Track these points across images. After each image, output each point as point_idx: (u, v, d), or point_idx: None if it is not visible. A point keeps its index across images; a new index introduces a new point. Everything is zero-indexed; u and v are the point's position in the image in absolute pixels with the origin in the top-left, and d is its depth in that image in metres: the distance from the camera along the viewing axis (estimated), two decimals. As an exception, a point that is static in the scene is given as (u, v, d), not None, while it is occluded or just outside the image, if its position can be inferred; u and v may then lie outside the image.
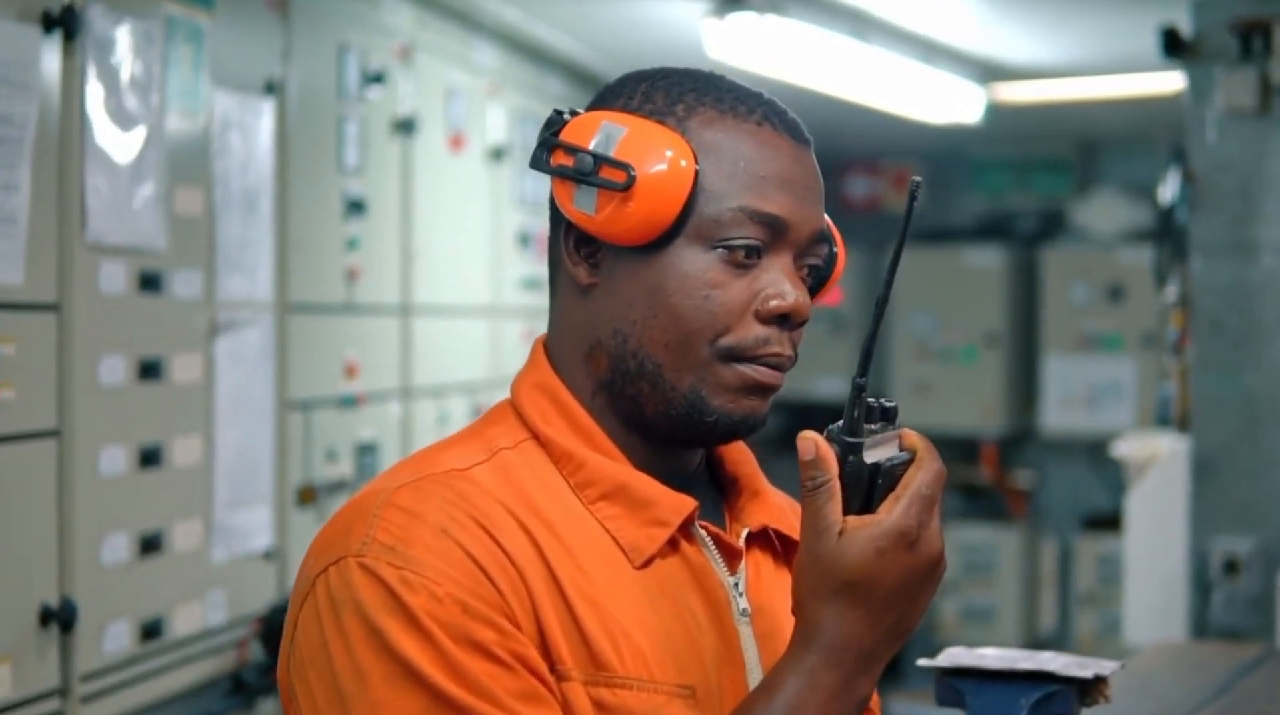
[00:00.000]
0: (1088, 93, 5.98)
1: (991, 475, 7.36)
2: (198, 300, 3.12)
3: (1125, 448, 3.93)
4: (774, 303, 1.39)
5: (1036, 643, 7.13)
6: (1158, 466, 3.79)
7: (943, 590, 7.27)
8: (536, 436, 1.44)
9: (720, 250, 1.39)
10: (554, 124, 1.43)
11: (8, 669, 2.56)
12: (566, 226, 1.43)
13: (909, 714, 6.49)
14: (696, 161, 1.38)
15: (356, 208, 3.82)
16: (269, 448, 3.42)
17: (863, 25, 4.79)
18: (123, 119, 2.86)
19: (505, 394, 1.50)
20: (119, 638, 2.87)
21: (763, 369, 1.41)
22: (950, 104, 5.86)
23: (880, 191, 7.90)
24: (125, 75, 2.86)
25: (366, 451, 3.85)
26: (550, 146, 1.42)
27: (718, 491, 1.52)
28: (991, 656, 1.54)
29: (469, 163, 4.48)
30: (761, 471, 1.55)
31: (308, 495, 3.57)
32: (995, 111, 6.15)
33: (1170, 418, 3.91)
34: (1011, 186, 7.56)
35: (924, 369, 7.36)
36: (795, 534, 1.40)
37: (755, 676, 1.42)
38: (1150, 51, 3.75)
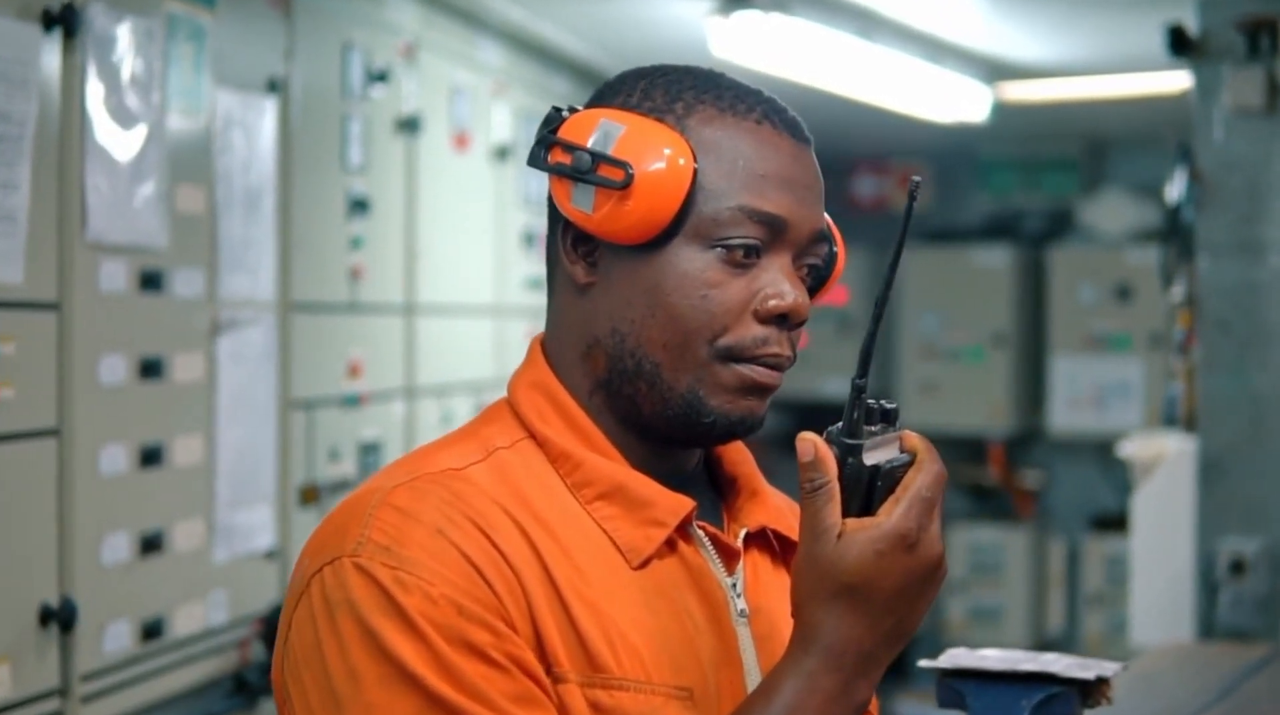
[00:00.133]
0: (1095, 92, 5.97)
1: (999, 475, 7.34)
2: (199, 299, 3.12)
3: (1131, 448, 3.91)
4: (773, 302, 1.38)
5: (1044, 643, 7.11)
6: (1164, 467, 3.77)
7: (950, 590, 7.27)
8: (533, 436, 1.43)
9: (719, 249, 1.38)
10: (552, 121, 1.42)
11: (7, 669, 2.56)
12: (564, 224, 1.42)
13: (914, 715, 6.48)
14: (695, 160, 1.37)
15: (360, 207, 3.81)
16: (271, 447, 3.41)
17: (868, 24, 4.78)
18: (123, 117, 2.85)
19: None
20: (119, 637, 2.87)
21: (761, 369, 1.39)
22: (957, 103, 5.85)
23: (887, 191, 7.89)
24: (126, 73, 2.85)
25: (370, 451, 3.84)
26: (548, 144, 1.40)
27: (716, 492, 1.51)
28: (993, 657, 1.52)
29: (473, 162, 4.47)
30: (760, 472, 1.53)
31: (310, 495, 3.57)
32: (1002, 111, 6.14)
33: (1177, 418, 3.90)
34: (1019, 186, 7.55)
35: (931, 369, 7.35)
36: (794, 535, 1.39)
37: (753, 678, 1.41)
38: (1157, 50, 3.73)
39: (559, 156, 1.39)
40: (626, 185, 1.36)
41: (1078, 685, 1.50)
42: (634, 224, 1.37)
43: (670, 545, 1.41)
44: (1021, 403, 7.35)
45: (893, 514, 1.30)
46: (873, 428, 1.33)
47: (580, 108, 1.43)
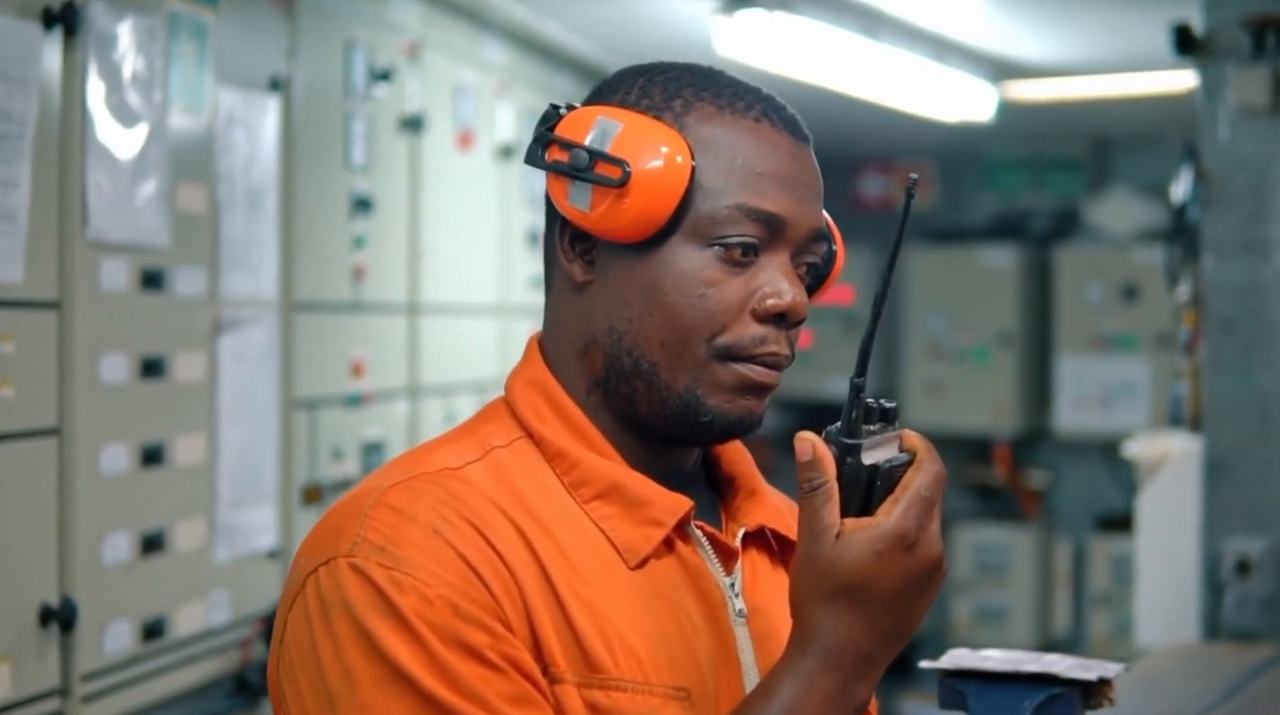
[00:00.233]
0: (1101, 91, 5.96)
1: (1005, 475, 7.34)
2: (201, 298, 3.11)
3: (1137, 448, 3.90)
4: (771, 301, 1.37)
5: (1050, 643, 7.10)
6: (1169, 467, 3.76)
7: (955, 591, 7.26)
8: (530, 435, 1.42)
9: (717, 248, 1.37)
10: (550, 119, 1.41)
11: (7, 669, 2.55)
12: (562, 223, 1.42)
13: (919, 715, 6.47)
14: (693, 158, 1.36)
15: (363, 205, 3.81)
16: (273, 447, 3.41)
17: (873, 22, 4.77)
18: (125, 116, 2.84)
19: None
20: (120, 637, 2.86)
21: (759, 368, 1.39)
22: (962, 102, 5.84)
23: (894, 191, 7.88)
24: (127, 72, 2.85)
25: (373, 450, 3.84)
26: (545, 142, 1.40)
27: (714, 491, 1.50)
28: (995, 658, 1.52)
29: (478, 161, 4.46)
30: (761, 471, 1.53)
31: (313, 494, 3.56)
32: (1008, 110, 6.13)
33: (1182, 418, 3.89)
34: (1025, 186, 7.54)
35: (937, 369, 7.35)
36: (793, 534, 1.38)
37: (752, 678, 1.41)
38: (1163, 49, 3.72)
39: (556, 154, 1.39)
40: (624, 183, 1.35)
41: (1079, 686, 1.49)
42: (631, 222, 1.36)
43: (668, 545, 1.40)
44: (1027, 403, 7.33)
45: (891, 514, 1.29)
46: (871, 427, 1.32)
47: (579, 105, 1.42)
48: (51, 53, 2.64)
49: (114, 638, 2.84)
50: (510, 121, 4.64)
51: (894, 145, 7.56)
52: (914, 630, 1.33)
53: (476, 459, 1.39)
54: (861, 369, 1.31)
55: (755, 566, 1.47)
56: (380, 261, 3.90)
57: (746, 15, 4.36)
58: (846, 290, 7.30)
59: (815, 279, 1.45)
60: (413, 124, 4.04)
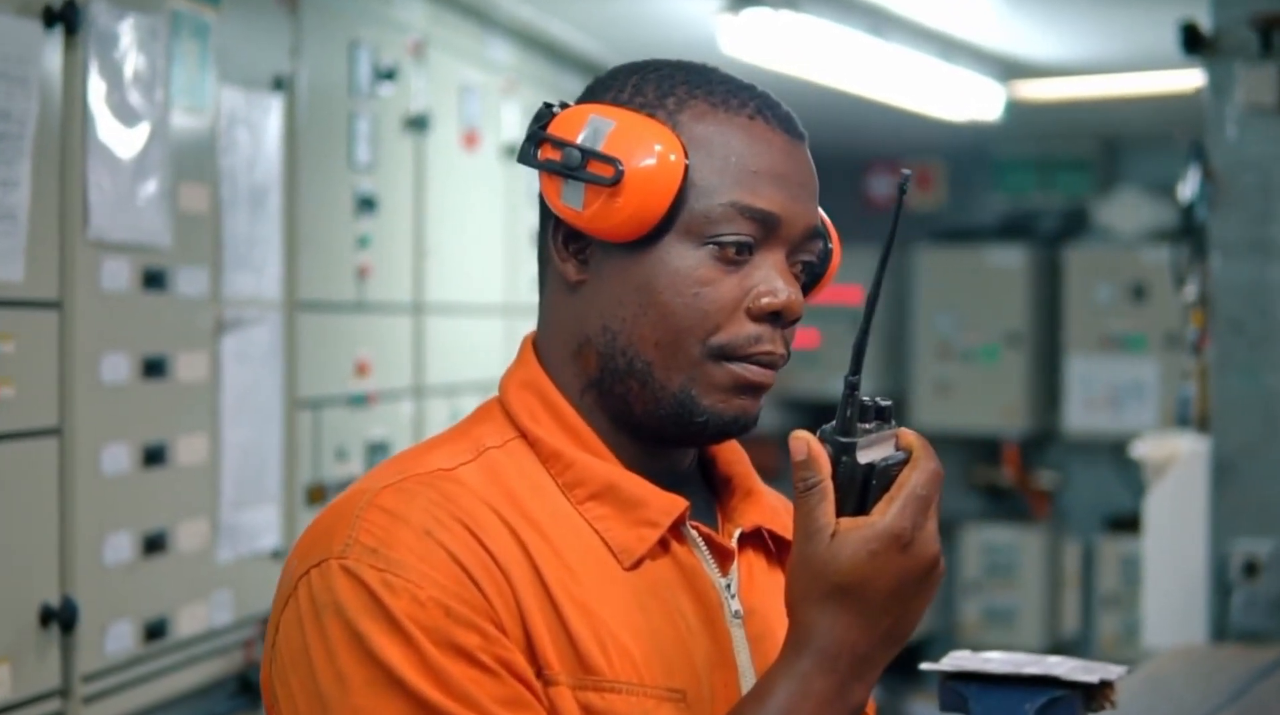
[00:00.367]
0: (1109, 90, 5.94)
1: (1013, 476, 7.32)
2: (203, 298, 3.10)
3: (1144, 449, 3.88)
4: (765, 300, 1.36)
5: (1059, 644, 7.09)
6: (1177, 468, 3.74)
7: (964, 591, 7.25)
8: (525, 435, 1.41)
9: (711, 246, 1.36)
10: (543, 117, 1.40)
11: (7, 669, 2.55)
12: (555, 222, 1.41)
13: (926, 716, 6.46)
14: (686, 156, 1.35)
15: (368, 205, 3.80)
16: (277, 447, 3.40)
17: (879, 21, 4.76)
18: (126, 115, 2.84)
19: None
20: (122, 638, 2.85)
21: (754, 368, 1.38)
22: (970, 102, 5.83)
23: (902, 190, 7.85)
24: (129, 71, 2.84)
25: (378, 450, 3.83)
26: (538, 140, 1.39)
27: (710, 491, 1.49)
28: (996, 660, 1.50)
29: (483, 160, 4.46)
30: (760, 471, 1.52)
31: (317, 495, 3.55)
32: (1016, 109, 6.12)
33: (1190, 418, 3.87)
34: (1034, 186, 7.53)
35: (946, 369, 7.33)
36: (789, 534, 1.36)
37: (748, 680, 1.40)
38: (1171, 48, 3.71)
39: (549, 153, 1.38)
40: (616, 182, 1.34)
41: (1081, 689, 1.48)
42: (624, 221, 1.35)
43: (663, 546, 1.39)
44: (1036, 403, 7.32)
45: (887, 513, 1.28)
46: (867, 425, 1.31)
47: (572, 104, 1.42)
48: (52, 52, 2.63)
49: (115, 638, 2.84)
50: (516, 121, 4.63)
51: (902, 145, 7.55)
52: (911, 631, 1.32)
53: (470, 460, 1.38)
54: (856, 367, 1.30)
55: (752, 567, 1.46)
56: (385, 261, 3.89)
57: (752, 14, 4.36)
58: (855, 290, 7.29)
59: (811, 278, 1.44)
60: (418, 123, 4.03)
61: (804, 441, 1.29)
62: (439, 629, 1.27)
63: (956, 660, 1.51)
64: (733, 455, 1.50)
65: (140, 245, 2.89)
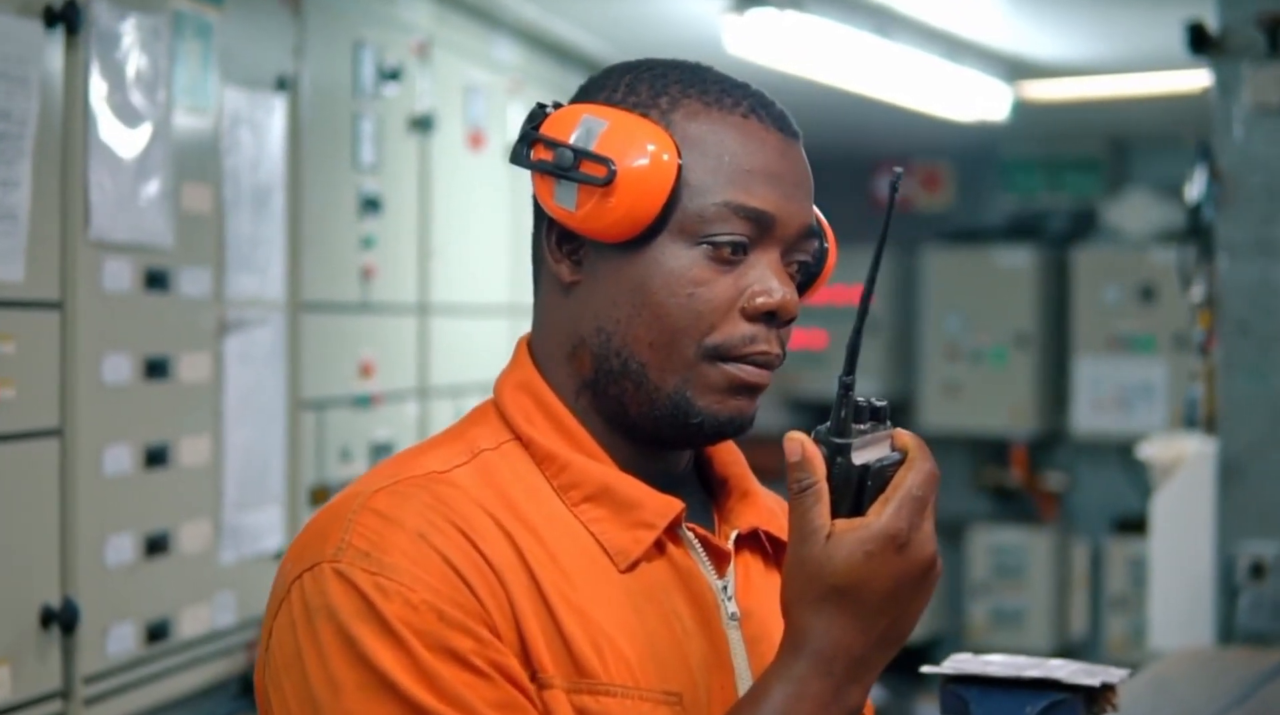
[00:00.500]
0: (1116, 90, 5.93)
1: (1022, 477, 7.31)
2: (206, 298, 3.10)
3: (1151, 450, 3.87)
4: (760, 300, 1.36)
5: (1067, 646, 7.08)
6: (1184, 469, 3.73)
7: (972, 593, 7.24)
8: (519, 437, 1.40)
9: (705, 246, 1.35)
10: (535, 118, 1.40)
11: (7, 670, 2.54)
12: (548, 222, 1.40)
13: (934, 718, 6.44)
14: (680, 155, 1.35)
15: (372, 205, 3.80)
16: (280, 448, 3.40)
17: (885, 21, 4.75)
18: (128, 115, 2.83)
19: None
20: (123, 639, 2.85)
21: (749, 368, 1.37)
22: (976, 102, 5.82)
23: (911, 191, 7.86)
24: (131, 71, 2.84)
25: (382, 451, 3.82)
26: (530, 140, 1.38)
27: (707, 493, 1.48)
28: (997, 663, 1.50)
29: (489, 160, 4.45)
30: (758, 472, 1.51)
31: (321, 496, 3.55)
32: (1024, 110, 6.11)
33: (1197, 419, 3.86)
34: (1042, 186, 7.52)
35: (954, 370, 7.33)
36: (786, 536, 1.36)
37: (744, 682, 1.39)
38: (1178, 48, 3.69)
39: (542, 153, 1.37)
40: (609, 182, 1.33)
41: (1083, 692, 1.47)
42: (617, 221, 1.34)
43: (659, 547, 1.39)
44: (1045, 404, 7.31)
45: (882, 514, 1.27)
46: (862, 426, 1.30)
47: (565, 104, 1.41)
48: (53, 52, 2.63)
49: (117, 639, 2.83)
50: (522, 121, 4.61)
51: (910, 145, 7.54)
52: (909, 633, 1.31)
53: (464, 462, 1.37)
54: (850, 367, 1.29)
55: (748, 569, 1.45)
56: (389, 262, 3.89)
57: (757, 14, 4.35)
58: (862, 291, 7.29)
59: (807, 277, 1.43)
60: (422, 124, 4.02)
61: (798, 442, 1.28)
62: (432, 632, 1.26)
63: (957, 663, 1.50)
64: (729, 456, 1.49)
65: (142, 245, 2.89)
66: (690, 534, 1.41)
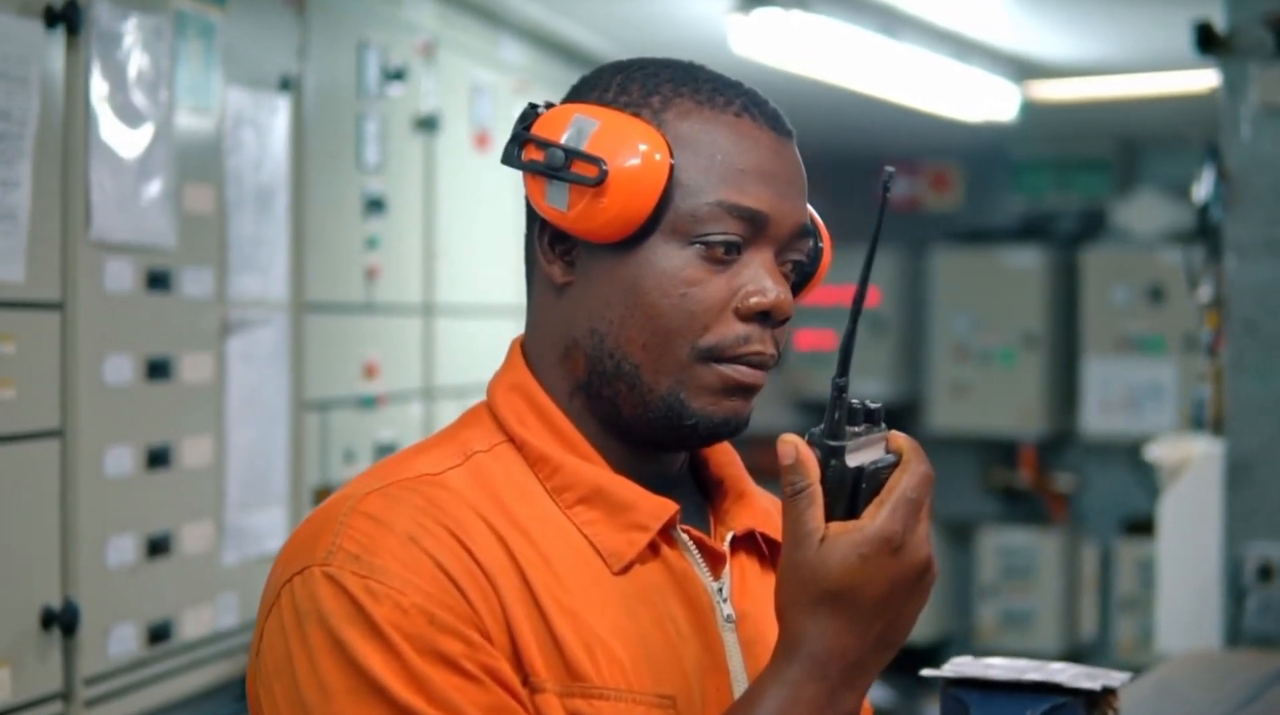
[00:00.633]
0: (1125, 90, 5.92)
1: (1030, 478, 7.30)
2: (208, 299, 3.09)
3: (1159, 451, 3.86)
4: (754, 299, 1.35)
5: (1076, 648, 7.06)
6: (1191, 470, 3.72)
7: (981, 595, 7.22)
8: (512, 439, 1.40)
9: (698, 246, 1.34)
10: (527, 118, 1.39)
11: (8, 672, 2.54)
12: (541, 223, 1.40)
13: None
14: (672, 155, 1.34)
15: (376, 206, 3.79)
16: (283, 449, 3.39)
17: (891, 21, 4.74)
18: (129, 115, 2.83)
19: None
20: (125, 641, 2.84)
21: (743, 369, 1.36)
22: (984, 102, 5.80)
23: (919, 191, 7.85)
24: (132, 71, 2.83)
25: (386, 452, 3.81)
26: (522, 141, 1.38)
27: (702, 494, 1.47)
28: (998, 667, 1.49)
29: (495, 161, 4.42)
30: (750, 473, 1.50)
31: (324, 497, 3.53)
32: (1033, 110, 6.09)
33: (1205, 421, 3.84)
34: (1051, 187, 7.51)
35: (963, 370, 7.31)
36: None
37: (740, 685, 1.38)
38: (1186, 48, 3.68)
39: (533, 153, 1.37)
40: (600, 182, 1.33)
41: (1083, 696, 1.47)
42: (609, 221, 1.33)
43: (654, 550, 1.38)
44: (1054, 405, 7.29)
45: (877, 517, 1.26)
46: (856, 428, 1.29)
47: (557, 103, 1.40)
48: (54, 52, 2.62)
49: (118, 641, 2.83)
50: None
51: (918, 146, 7.53)
52: (904, 637, 1.31)
53: (457, 465, 1.37)
54: (843, 369, 1.28)
55: (744, 571, 1.44)
56: (394, 262, 3.88)
57: (763, 14, 4.34)
58: (870, 292, 7.28)
59: (802, 277, 1.42)
60: (427, 124, 4.02)
61: (792, 445, 1.27)
62: (422, 636, 1.25)
63: (958, 667, 1.50)
64: (724, 457, 1.48)
65: (144, 246, 2.89)
66: (685, 536, 1.40)
